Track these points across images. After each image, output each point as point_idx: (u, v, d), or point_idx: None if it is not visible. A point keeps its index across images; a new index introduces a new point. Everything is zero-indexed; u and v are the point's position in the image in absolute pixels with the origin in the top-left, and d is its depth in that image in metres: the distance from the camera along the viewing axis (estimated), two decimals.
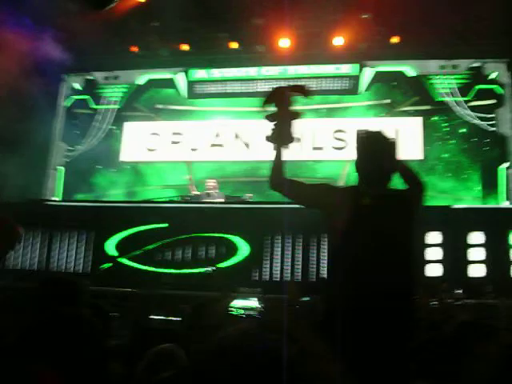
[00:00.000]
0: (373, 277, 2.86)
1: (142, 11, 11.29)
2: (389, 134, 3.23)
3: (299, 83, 3.36)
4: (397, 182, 3.19)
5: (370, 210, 2.99)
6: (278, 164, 3.12)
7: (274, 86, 3.22)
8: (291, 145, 3.16)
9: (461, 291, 6.74)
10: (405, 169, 3.21)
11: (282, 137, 3.14)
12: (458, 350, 2.64)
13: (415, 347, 3.12)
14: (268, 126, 3.17)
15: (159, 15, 11.49)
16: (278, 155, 3.13)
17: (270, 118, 3.15)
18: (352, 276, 2.88)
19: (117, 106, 12.75)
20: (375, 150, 3.11)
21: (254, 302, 5.26)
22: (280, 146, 3.14)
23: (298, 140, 3.02)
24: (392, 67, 11.78)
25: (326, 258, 8.17)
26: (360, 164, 3.15)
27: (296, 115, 3.15)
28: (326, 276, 3.27)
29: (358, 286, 2.86)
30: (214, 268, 8.48)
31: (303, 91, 3.22)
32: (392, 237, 2.95)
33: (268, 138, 3.16)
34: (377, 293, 2.84)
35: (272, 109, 3.15)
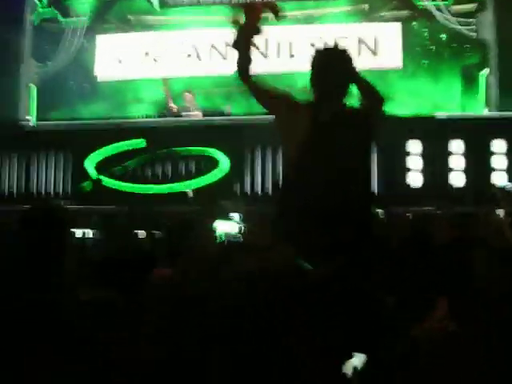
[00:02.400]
0: (327, 191, 2.87)
1: None
2: (343, 46, 3.16)
3: (273, 2, 3.33)
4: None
5: (325, 128, 2.96)
6: (241, 63, 3.16)
7: (247, 3, 3.27)
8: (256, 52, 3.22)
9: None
10: (362, 82, 3.12)
11: (240, 41, 3.17)
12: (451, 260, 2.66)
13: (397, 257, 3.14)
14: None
15: None
16: (240, 56, 3.17)
17: (234, 22, 3.18)
18: (305, 191, 2.89)
19: (87, 19, 12.27)
20: (329, 64, 3.05)
21: (235, 225, 5.27)
22: (239, 50, 3.17)
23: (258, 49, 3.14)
24: None
25: None
26: (314, 80, 3.10)
27: (259, 30, 3.18)
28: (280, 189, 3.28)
29: (312, 199, 2.86)
30: (195, 192, 8.44)
31: (275, 10, 3.20)
32: (347, 154, 2.94)
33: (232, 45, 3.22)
34: (331, 205, 2.84)
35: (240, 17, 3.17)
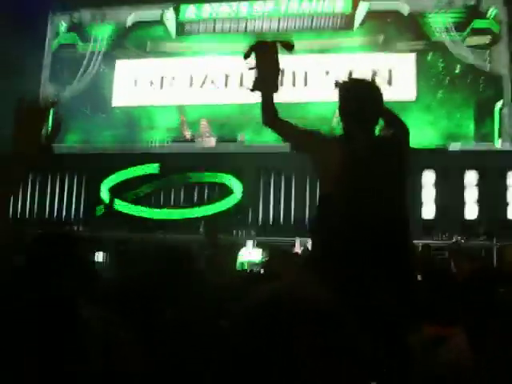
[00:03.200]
0: (368, 220, 2.87)
1: None
2: (373, 79, 3.19)
3: (284, 38, 3.29)
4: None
5: (361, 158, 2.98)
6: (266, 107, 3.13)
7: (257, 39, 3.20)
8: (276, 92, 3.16)
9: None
10: (389, 114, 3.16)
11: (264, 86, 3.12)
12: (476, 295, 2.66)
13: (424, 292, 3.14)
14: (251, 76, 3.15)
15: None
16: (265, 101, 3.13)
17: (250, 68, 3.13)
18: (347, 221, 2.89)
19: (105, 47, 12.45)
20: (362, 95, 3.06)
21: (257, 255, 5.23)
22: (264, 94, 3.13)
23: (281, 85, 3.06)
24: (386, 4, 11.50)
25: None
26: (347, 111, 3.11)
27: (279, 69, 3.13)
28: (316, 220, 3.25)
29: (355, 230, 2.86)
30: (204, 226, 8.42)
31: (287, 45, 3.18)
32: (385, 182, 2.95)
33: (250, 88, 3.15)
34: (372, 236, 2.85)
35: (253, 59, 3.13)
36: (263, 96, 3.12)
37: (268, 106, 3.11)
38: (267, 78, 3.11)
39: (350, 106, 3.08)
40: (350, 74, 3.26)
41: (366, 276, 2.80)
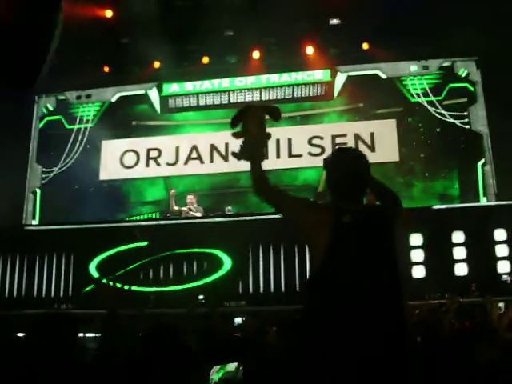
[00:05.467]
0: (363, 292, 2.83)
1: (110, 28, 11.27)
2: (359, 151, 3.23)
3: (271, 105, 3.27)
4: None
5: (352, 228, 2.95)
6: (256, 175, 3.08)
7: (244, 106, 3.18)
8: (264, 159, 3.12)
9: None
10: (377, 184, 3.19)
11: (251, 154, 3.08)
12: (456, 353, 2.62)
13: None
14: (236, 143, 3.12)
15: (128, 32, 11.50)
16: (254, 168, 3.08)
17: (236, 135, 3.09)
18: (341, 293, 2.84)
19: (90, 125, 12.64)
20: (351, 166, 3.07)
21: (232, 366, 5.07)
22: (252, 162, 3.09)
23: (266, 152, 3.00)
24: (364, 71, 11.82)
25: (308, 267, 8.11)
26: (336, 181, 3.11)
27: (266, 135, 3.10)
28: (308, 291, 3.18)
29: (350, 303, 2.81)
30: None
31: (274, 114, 3.17)
32: (378, 253, 2.93)
33: (233, 154, 3.11)
34: (370, 309, 2.81)
35: (239, 127, 3.10)
36: (251, 164, 3.08)
37: (257, 174, 3.06)
38: (254, 146, 3.08)
39: (337, 175, 3.09)
40: (336, 148, 3.28)
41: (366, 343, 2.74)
